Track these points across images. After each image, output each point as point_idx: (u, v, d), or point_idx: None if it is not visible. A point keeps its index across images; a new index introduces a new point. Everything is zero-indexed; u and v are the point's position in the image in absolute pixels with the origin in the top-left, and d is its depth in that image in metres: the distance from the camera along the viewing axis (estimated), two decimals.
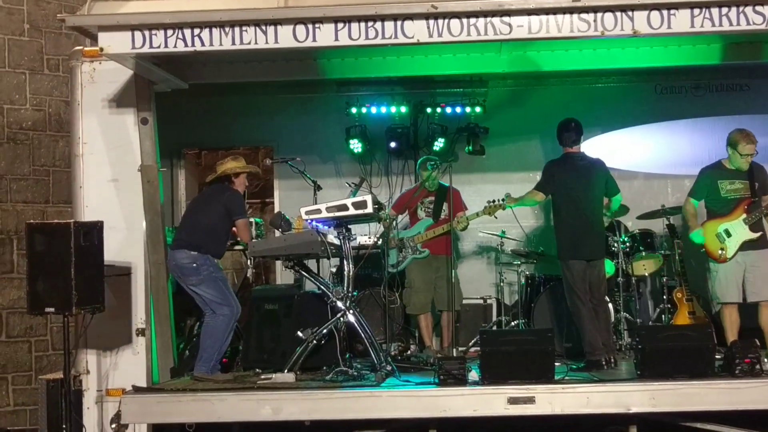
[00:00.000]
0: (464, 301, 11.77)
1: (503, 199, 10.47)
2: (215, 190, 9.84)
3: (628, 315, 11.16)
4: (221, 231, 9.66)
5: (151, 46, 8.84)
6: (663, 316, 11.25)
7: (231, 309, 9.51)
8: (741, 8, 8.54)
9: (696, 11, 8.54)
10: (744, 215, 9.59)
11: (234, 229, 9.70)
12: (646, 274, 11.57)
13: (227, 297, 9.56)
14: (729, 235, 9.62)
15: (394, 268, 11.07)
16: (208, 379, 9.25)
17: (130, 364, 9.53)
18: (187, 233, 9.62)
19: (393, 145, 12.72)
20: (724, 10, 8.54)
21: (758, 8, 8.53)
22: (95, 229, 8.96)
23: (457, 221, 10.91)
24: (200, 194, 10.41)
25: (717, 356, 8.81)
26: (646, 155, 12.60)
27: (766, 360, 8.74)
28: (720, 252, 9.59)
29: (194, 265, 9.42)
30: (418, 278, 11.11)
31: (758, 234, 9.58)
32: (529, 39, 8.84)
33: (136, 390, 9.06)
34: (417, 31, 8.71)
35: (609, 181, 10.01)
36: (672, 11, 8.56)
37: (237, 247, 10.88)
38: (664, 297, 11.26)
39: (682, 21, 8.51)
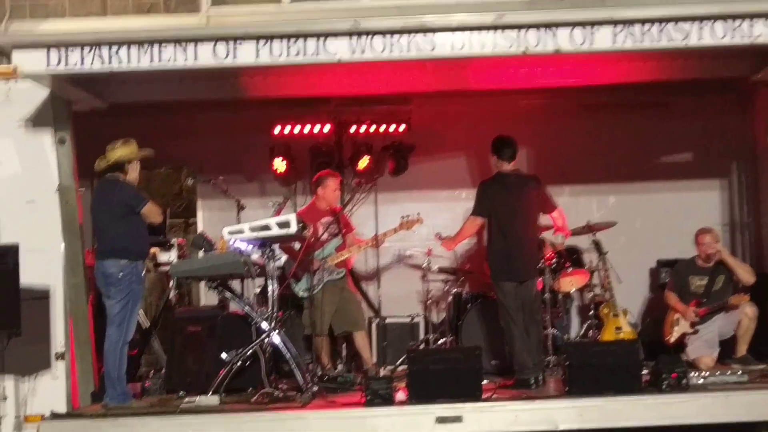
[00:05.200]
0: (389, 320, 11.75)
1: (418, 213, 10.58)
2: (104, 188, 9.29)
3: (555, 331, 11.15)
4: (135, 229, 9.16)
5: (67, 65, 8.72)
6: (590, 332, 11.25)
7: (120, 331, 9.05)
8: (662, 25, 8.62)
9: (618, 28, 8.62)
10: (692, 314, 10.42)
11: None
12: (573, 290, 11.58)
13: (124, 319, 9.08)
14: (678, 323, 10.57)
15: (308, 292, 10.44)
16: (120, 407, 8.97)
17: (50, 389, 9.31)
18: (111, 241, 9.14)
19: (317, 163, 12.57)
20: (646, 27, 8.63)
21: (680, 24, 8.60)
22: (11, 252, 8.79)
23: (373, 241, 10.74)
24: (95, 197, 9.62)
25: (644, 371, 8.84)
26: (570, 172, 12.61)
27: (693, 374, 8.82)
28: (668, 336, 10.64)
29: (120, 275, 9.02)
30: (327, 299, 10.54)
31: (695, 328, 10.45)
32: (452, 57, 8.81)
33: (54, 416, 8.90)
34: (339, 48, 8.69)
35: (544, 199, 9.90)
36: (594, 28, 8.62)
37: (162, 268, 10.64)
38: (591, 313, 11.28)
39: (604, 38, 8.59)
